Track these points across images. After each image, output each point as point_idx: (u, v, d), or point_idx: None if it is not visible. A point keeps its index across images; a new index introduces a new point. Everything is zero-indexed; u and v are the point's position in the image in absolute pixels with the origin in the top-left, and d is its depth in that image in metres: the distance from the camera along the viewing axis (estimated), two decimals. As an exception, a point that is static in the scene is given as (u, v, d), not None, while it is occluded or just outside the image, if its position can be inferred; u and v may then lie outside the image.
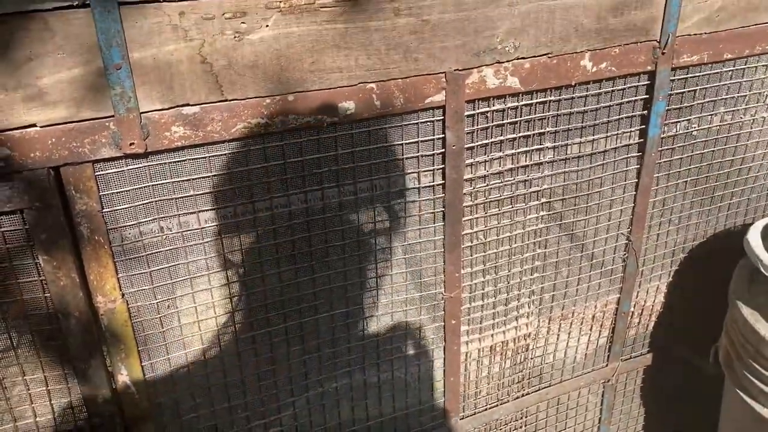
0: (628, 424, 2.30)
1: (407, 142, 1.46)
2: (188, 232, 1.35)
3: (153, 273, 1.35)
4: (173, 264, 1.37)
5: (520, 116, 1.55)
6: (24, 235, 1.19)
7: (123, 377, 1.40)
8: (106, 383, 1.37)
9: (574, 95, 1.58)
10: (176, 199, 1.31)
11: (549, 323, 1.90)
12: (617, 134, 1.70)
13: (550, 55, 1.49)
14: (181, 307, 1.41)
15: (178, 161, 1.27)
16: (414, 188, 1.52)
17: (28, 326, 1.26)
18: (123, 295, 1.34)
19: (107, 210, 1.25)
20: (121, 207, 1.26)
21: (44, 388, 1.34)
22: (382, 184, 1.49)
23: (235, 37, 1.20)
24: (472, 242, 1.64)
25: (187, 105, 1.22)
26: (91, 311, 1.30)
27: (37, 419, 1.37)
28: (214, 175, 1.32)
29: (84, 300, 1.27)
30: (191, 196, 1.32)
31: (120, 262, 1.31)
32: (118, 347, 1.37)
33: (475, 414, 1.90)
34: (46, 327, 1.27)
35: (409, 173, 1.50)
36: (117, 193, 1.25)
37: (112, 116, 1.18)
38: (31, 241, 1.19)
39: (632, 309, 2.01)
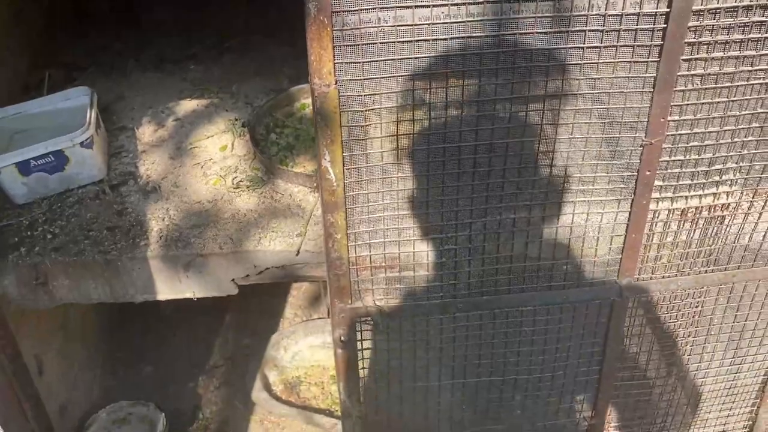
0: (817, 334, 2.10)
1: (636, -42, 1.37)
2: (402, 27, 1.40)
3: (365, 65, 1.43)
4: (385, 59, 1.43)
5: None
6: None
7: (325, 162, 1.53)
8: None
9: None
10: (396, -12, 1.35)
11: (753, 197, 1.75)
12: None
13: None
14: (383, 105, 1.49)
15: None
16: (633, 14, 1.43)
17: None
18: (336, 81, 1.43)
19: (334, -9, 1.33)
20: (347, -10, 1.34)
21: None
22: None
23: None
24: (686, 86, 1.53)
25: None
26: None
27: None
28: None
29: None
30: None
31: (338, 48, 1.40)
32: (326, 132, 1.48)
33: (651, 279, 1.84)
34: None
35: (632, -6, 1.41)
36: (343, -24, 1.32)
37: None
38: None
39: None
